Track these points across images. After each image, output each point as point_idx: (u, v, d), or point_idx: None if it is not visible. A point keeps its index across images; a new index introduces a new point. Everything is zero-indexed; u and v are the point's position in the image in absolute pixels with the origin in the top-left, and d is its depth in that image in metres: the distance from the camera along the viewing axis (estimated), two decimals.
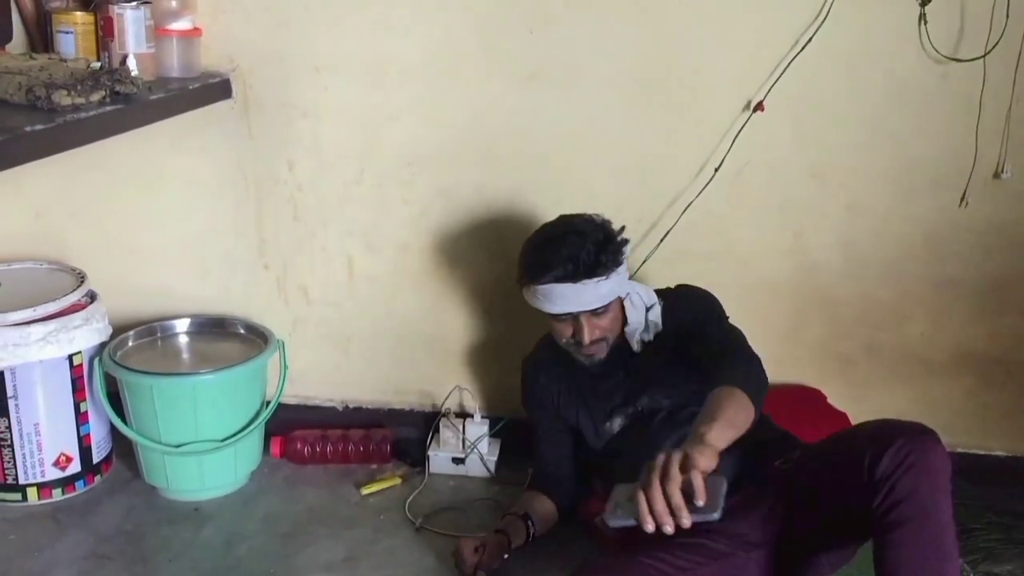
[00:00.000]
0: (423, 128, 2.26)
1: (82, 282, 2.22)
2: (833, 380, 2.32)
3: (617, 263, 1.88)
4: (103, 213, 2.39)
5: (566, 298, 1.88)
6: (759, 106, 2.12)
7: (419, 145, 2.27)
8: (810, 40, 2.07)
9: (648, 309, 1.96)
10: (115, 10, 1.96)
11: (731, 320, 1.95)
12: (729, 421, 1.58)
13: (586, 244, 1.86)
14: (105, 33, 2.00)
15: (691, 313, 1.95)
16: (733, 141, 2.15)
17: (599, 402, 2.00)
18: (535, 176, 2.26)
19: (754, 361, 1.81)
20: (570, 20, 2.15)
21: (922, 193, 2.18)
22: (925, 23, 2.06)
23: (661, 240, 2.23)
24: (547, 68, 2.18)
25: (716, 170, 2.16)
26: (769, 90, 2.11)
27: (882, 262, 2.24)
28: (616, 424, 1.97)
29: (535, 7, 2.15)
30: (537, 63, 2.18)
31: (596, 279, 1.85)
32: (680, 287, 2.05)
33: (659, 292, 2.01)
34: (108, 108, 1.72)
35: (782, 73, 2.09)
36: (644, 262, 2.24)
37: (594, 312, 1.90)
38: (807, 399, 2.29)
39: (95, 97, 1.71)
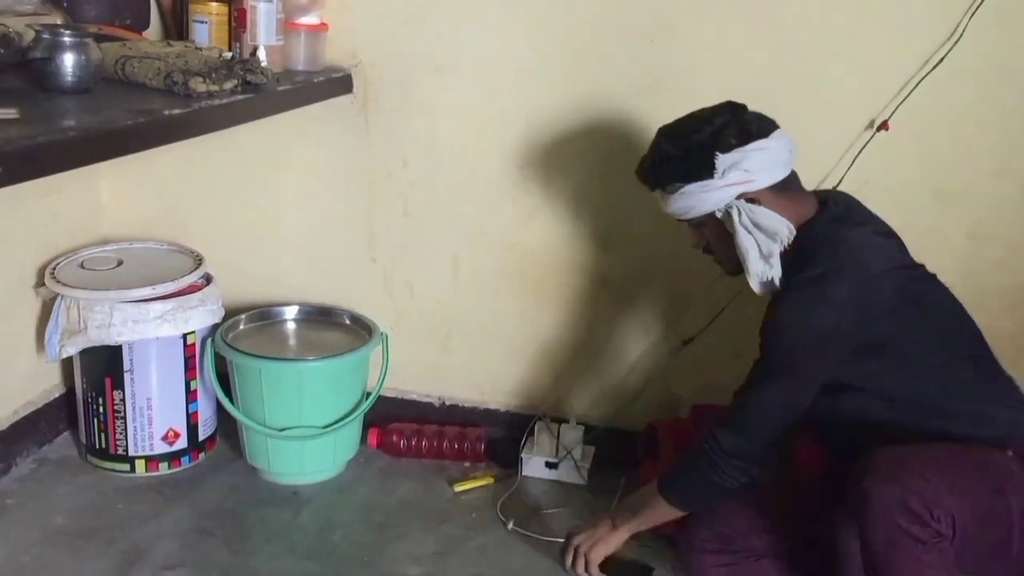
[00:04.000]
0: (537, 132, 2.26)
1: (199, 264, 2.29)
2: None
3: (686, 178, 1.72)
4: (222, 198, 2.46)
5: (658, 200, 1.83)
6: (883, 125, 2.06)
7: (532, 148, 2.28)
8: (942, 59, 2.01)
9: (768, 256, 1.70)
10: (250, 2, 2.03)
11: (777, 369, 1.69)
12: (645, 520, 1.86)
13: (654, 153, 1.78)
14: (238, 24, 2.06)
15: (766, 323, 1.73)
16: (854, 160, 2.10)
17: None
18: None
19: (722, 457, 1.70)
20: (691, 31, 2.14)
21: None
22: None
23: None
24: (666, 77, 2.16)
25: (834, 188, 2.11)
26: (895, 109, 2.05)
27: (1004, 291, 2.16)
28: None
29: (656, 16, 2.14)
30: (656, 72, 2.16)
31: (657, 191, 1.80)
32: (799, 283, 1.66)
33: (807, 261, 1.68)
34: (239, 97, 1.78)
35: (910, 92, 2.04)
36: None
37: (689, 222, 1.81)
38: None
39: (228, 85, 1.76)
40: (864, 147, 2.09)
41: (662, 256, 2.29)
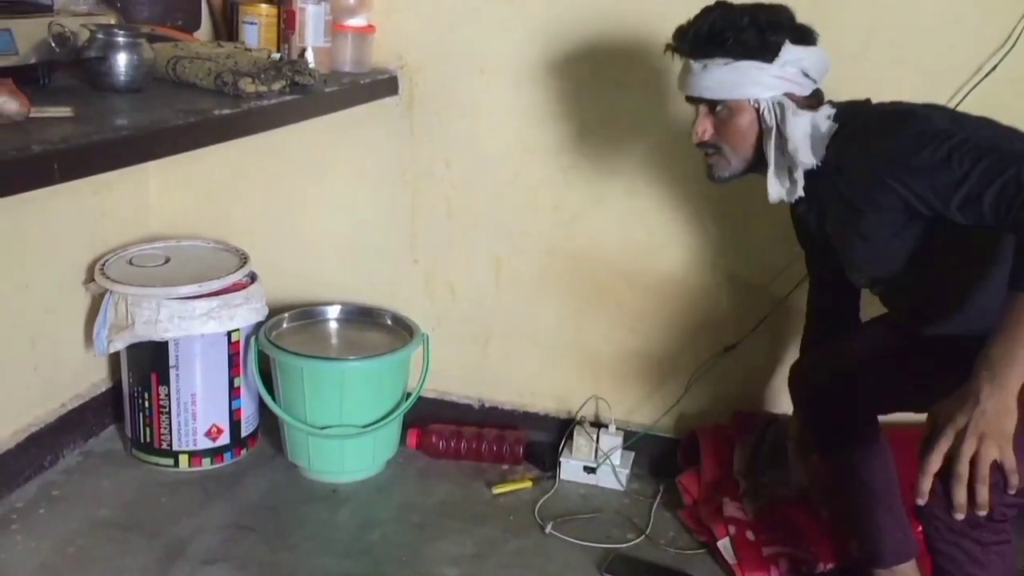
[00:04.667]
0: (581, 134, 2.26)
1: (245, 263, 2.31)
2: None
3: (746, 52, 1.61)
4: (268, 198, 2.49)
5: (687, 74, 1.69)
6: None
7: (575, 151, 2.28)
8: (995, 67, 1.98)
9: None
10: (299, 4, 2.04)
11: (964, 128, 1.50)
12: None
13: (714, 18, 1.63)
14: (287, 26, 2.08)
15: (879, 171, 1.54)
16: None
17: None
18: (690, 189, 2.23)
19: None
20: None
21: None
22: None
23: None
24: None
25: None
26: None
27: None
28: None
29: None
30: None
31: (702, 60, 1.64)
32: (864, 120, 1.63)
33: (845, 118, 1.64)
34: (287, 97, 1.80)
35: (962, 100, 2.01)
36: (792, 290, 2.19)
37: (711, 108, 1.69)
38: None
39: (276, 86, 1.78)
40: None
41: (705, 262, 2.28)
